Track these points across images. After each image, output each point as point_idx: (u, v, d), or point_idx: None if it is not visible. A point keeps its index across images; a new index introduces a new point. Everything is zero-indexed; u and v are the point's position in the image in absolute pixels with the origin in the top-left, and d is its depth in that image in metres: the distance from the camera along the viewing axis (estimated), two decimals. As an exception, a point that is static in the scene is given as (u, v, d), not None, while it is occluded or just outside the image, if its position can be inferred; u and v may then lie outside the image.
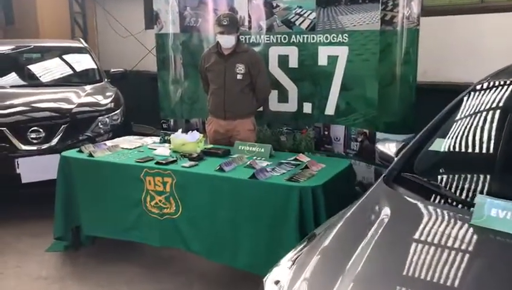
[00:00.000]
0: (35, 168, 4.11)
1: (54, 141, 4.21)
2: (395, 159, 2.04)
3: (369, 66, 3.91)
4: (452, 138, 1.99)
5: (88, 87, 5.00)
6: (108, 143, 3.67)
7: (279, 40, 4.37)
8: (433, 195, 1.70)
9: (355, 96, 4.06)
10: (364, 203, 1.76)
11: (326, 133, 4.33)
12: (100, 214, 3.36)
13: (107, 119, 4.55)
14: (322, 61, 4.19)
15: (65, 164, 3.43)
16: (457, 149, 1.96)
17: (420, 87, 3.87)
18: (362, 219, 1.65)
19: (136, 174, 3.13)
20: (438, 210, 1.62)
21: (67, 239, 3.56)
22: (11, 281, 3.28)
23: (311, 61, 4.24)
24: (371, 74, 3.90)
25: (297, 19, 4.27)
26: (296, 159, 3.13)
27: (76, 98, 4.65)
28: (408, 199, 1.68)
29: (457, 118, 2.10)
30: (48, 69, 5.44)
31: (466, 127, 2.05)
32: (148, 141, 3.83)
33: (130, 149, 3.55)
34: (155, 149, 3.51)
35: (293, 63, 4.33)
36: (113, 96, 4.87)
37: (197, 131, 4.67)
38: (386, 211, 1.62)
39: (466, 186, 1.74)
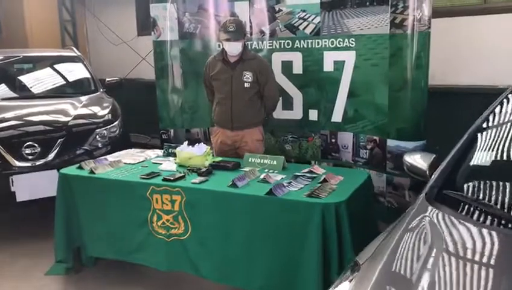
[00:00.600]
0: (31, 185, 3.90)
1: (50, 156, 4.00)
2: (435, 174, 1.89)
3: (378, 71, 3.78)
4: (497, 148, 1.84)
5: (83, 98, 4.79)
6: (110, 158, 3.49)
7: (282, 46, 4.25)
8: (485, 216, 1.55)
9: (363, 103, 3.94)
10: (410, 226, 1.61)
11: (333, 140, 4.20)
12: (103, 234, 3.17)
13: (105, 131, 4.35)
14: (328, 66, 4.07)
15: (65, 182, 3.23)
16: (505, 161, 1.81)
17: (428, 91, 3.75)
18: (412, 246, 1.49)
19: (142, 192, 2.95)
20: (494, 233, 1.47)
21: (69, 261, 3.35)
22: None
23: (316, 67, 4.12)
24: (380, 79, 3.77)
25: (301, 24, 4.14)
26: (311, 172, 2.98)
27: (72, 110, 4.45)
28: (459, 221, 1.53)
29: (500, 125, 1.95)
30: (40, 80, 5.22)
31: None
32: (151, 154, 3.65)
33: (133, 164, 3.37)
34: (160, 164, 3.33)
35: (297, 69, 4.20)
36: (110, 107, 4.67)
37: (199, 141, 4.57)
38: (439, 237, 1.46)
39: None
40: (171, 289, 3.22)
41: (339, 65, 3.99)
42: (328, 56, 4.04)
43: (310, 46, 4.11)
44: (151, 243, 2.99)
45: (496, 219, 1.55)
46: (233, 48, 3.50)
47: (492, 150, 1.86)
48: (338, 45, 3.98)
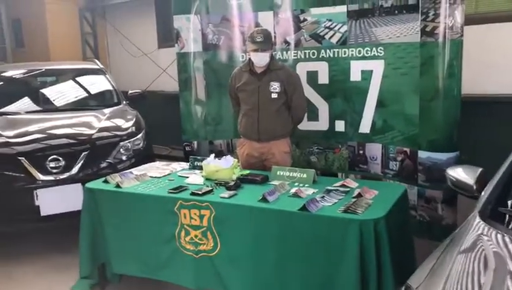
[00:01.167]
0: (55, 199, 3.86)
1: (75, 170, 3.96)
2: (486, 190, 1.78)
3: (408, 81, 3.66)
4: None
5: (107, 111, 4.77)
6: (135, 172, 3.43)
7: (307, 56, 4.16)
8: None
9: (393, 113, 3.82)
10: (466, 247, 1.50)
11: (361, 152, 4.09)
12: (129, 250, 3.10)
13: (129, 144, 4.30)
14: (355, 76, 3.97)
15: (90, 197, 3.18)
16: None
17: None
18: (472, 270, 1.38)
19: (170, 206, 2.88)
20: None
21: (94, 277, 3.29)
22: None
23: (343, 77, 4.02)
24: (411, 88, 3.66)
25: (326, 33, 4.06)
26: (344, 185, 2.87)
27: (96, 122, 4.42)
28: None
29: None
30: (63, 93, 5.22)
31: None
32: (177, 167, 3.59)
33: (159, 178, 3.31)
34: (186, 177, 3.26)
35: (323, 79, 4.11)
36: (134, 120, 4.63)
37: (222, 153, 4.50)
38: (502, 261, 1.35)
39: None
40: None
41: (367, 75, 3.89)
42: (355, 65, 3.94)
43: (336, 55, 4.02)
44: (179, 259, 2.90)
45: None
46: (261, 59, 3.43)
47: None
48: (365, 54, 3.88)
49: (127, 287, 3.32)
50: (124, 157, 4.23)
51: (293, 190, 2.80)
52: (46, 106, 4.93)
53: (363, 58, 3.89)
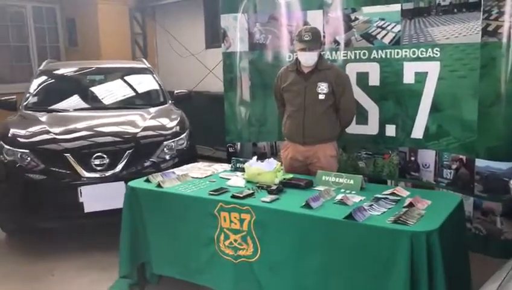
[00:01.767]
0: (99, 196, 3.86)
1: (118, 168, 3.95)
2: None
3: (467, 84, 3.43)
4: None
5: (152, 110, 4.76)
6: (177, 172, 3.37)
7: (358, 56, 4.00)
8: None
9: (448, 118, 3.59)
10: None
11: (412, 158, 3.87)
12: (169, 251, 3.04)
13: (172, 143, 4.26)
14: (408, 78, 3.77)
15: (132, 195, 3.13)
16: None
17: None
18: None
19: (210, 208, 2.79)
20: None
21: (133, 277, 3.26)
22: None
23: (395, 79, 3.83)
24: (469, 92, 3.43)
25: (379, 33, 3.88)
26: (394, 194, 2.69)
27: (141, 121, 4.42)
28: None
29: None
30: (111, 91, 5.28)
31: None
32: (219, 168, 3.51)
33: (201, 178, 3.24)
34: (228, 179, 3.17)
35: (374, 80, 3.93)
36: (178, 119, 4.59)
37: (265, 155, 4.39)
38: None
39: None
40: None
41: (421, 77, 3.68)
42: (409, 67, 3.74)
43: (388, 56, 3.83)
44: (217, 263, 2.81)
45: None
46: (308, 58, 3.29)
47: None
48: (420, 55, 3.67)
49: (165, 289, 3.26)
50: (167, 157, 4.19)
51: (339, 197, 2.65)
52: (94, 103, 4.98)
53: (418, 59, 3.69)
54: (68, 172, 3.87)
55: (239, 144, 4.57)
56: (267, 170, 3.06)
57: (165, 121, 4.54)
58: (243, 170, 3.25)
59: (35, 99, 4.92)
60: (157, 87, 5.35)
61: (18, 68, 9.03)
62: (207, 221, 2.81)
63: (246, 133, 4.54)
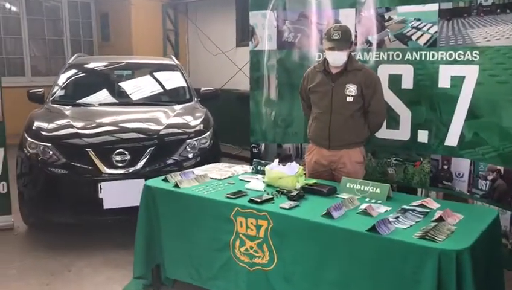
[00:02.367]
0: (119, 193, 3.80)
1: (139, 165, 3.88)
2: None
3: (507, 90, 3.22)
4: None
5: (177, 107, 4.69)
6: (196, 172, 3.27)
7: (390, 58, 3.81)
8: None
9: (486, 125, 3.37)
10: None
11: (445, 167, 3.66)
12: (183, 254, 2.93)
13: (195, 142, 4.16)
14: (444, 82, 3.56)
15: (148, 194, 3.05)
16: None
17: None
18: None
19: (226, 212, 2.67)
20: None
21: (147, 278, 3.17)
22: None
23: (430, 82, 3.63)
24: (509, 98, 3.21)
25: (414, 33, 3.69)
26: (422, 205, 2.50)
27: (165, 118, 4.34)
28: None
29: None
30: (137, 87, 5.23)
31: None
32: (239, 170, 3.38)
33: (220, 180, 3.12)
34: (248, 181, 3.04)
35: (407, 83, 3.74)
36: (202, 118, 4.50)
37: (290, 157, 4.25)
38: None
39: None
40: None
41: (458, 81, 3.47)
42: (445, 70, 3.53)
43: (423, 58, 3.64)
44: (232, 270, 2.69)
45: None
46: (337, 58, 3.13)
47: None
48: (457, 58, 3.46)
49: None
50: (189, 156, 4.10)
51: (363, 206, 2.48)
52: (120, 99, 4.95)
53: (454, 62, 3.49)
54: (89, 167, 3.83)
55: (263, 144, 4.44)
56: (289, 174, 2.91)
57: (188, 119, 4.46)
58: (263, 172, 3.12)
59: (62, 92, 4.92)
60: (184, 85, 5.28)
61: (53, 61, 9.19)
62: (223, 225, 2.69)
63: (271, 134, 4.41)
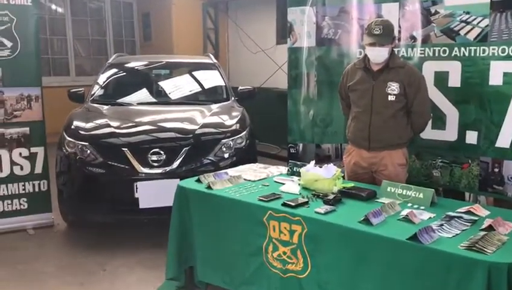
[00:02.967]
0: (154, 193, 3.77)
1: (175, 165, 3.84)
2: None
3: None
4: None
5: (214, 106, 4.63)
6: (230, 172, 3.18)
7: (436, 54, 3.60)
8: None
9: (542, 126, 3.11)
10: None
11: (496, 170, 3.42)
12: (215, 258, 2.86)
13: (231, 142, 4.09)
14: (495, 79, 3.33)
15: (181, 195, 2.99)
16: None
17: None
18: None
19: (259, 216, 2.57)
20: None
21: (180, 280, 3.12)
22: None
23: (480, 80, 3.40)
24: None
25: (462, 28, 3.46)
26: (470, 212, 2.32)
27: (201, 118, 4.29)
28: None
29: None
30: (175, 86, 5.22)
31: None
32: (274, 171, 3.28)
33: (254, 181, 3.02)
34: (282, 183, 2.93)
35: (455, 81, 3.52)
36: (239, 117, 4.42)
37: (329, 158, 4.10)
38: None
39: None
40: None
41: (510, 78, 3.23)
42: (497, 67, 3.29)
43: (472, 54, 3.41)
44: (265, 276, 2.59)
45: None
46: (377, 54, 2.96)
47: None
48: (511, 54, 3.22)
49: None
50: (225, 156, 4.03)
51: (405, 212, 2.32)
52: (158, 98, 4.95)
53: (508, 58, 3.25)
54: (125, 167, 3.82)
55: (301, 145, 4.31)
56: (325, 176, 2.77)
57: (225, 118, 4.39)
58: (299, 174, 2.99)
59: (101, 92, 4.96)
60: (222, 84, 5.21)
61: (96, 61, 9.38)
62: (255, 229, 2.60)
63: (309, 134, 4.28)
